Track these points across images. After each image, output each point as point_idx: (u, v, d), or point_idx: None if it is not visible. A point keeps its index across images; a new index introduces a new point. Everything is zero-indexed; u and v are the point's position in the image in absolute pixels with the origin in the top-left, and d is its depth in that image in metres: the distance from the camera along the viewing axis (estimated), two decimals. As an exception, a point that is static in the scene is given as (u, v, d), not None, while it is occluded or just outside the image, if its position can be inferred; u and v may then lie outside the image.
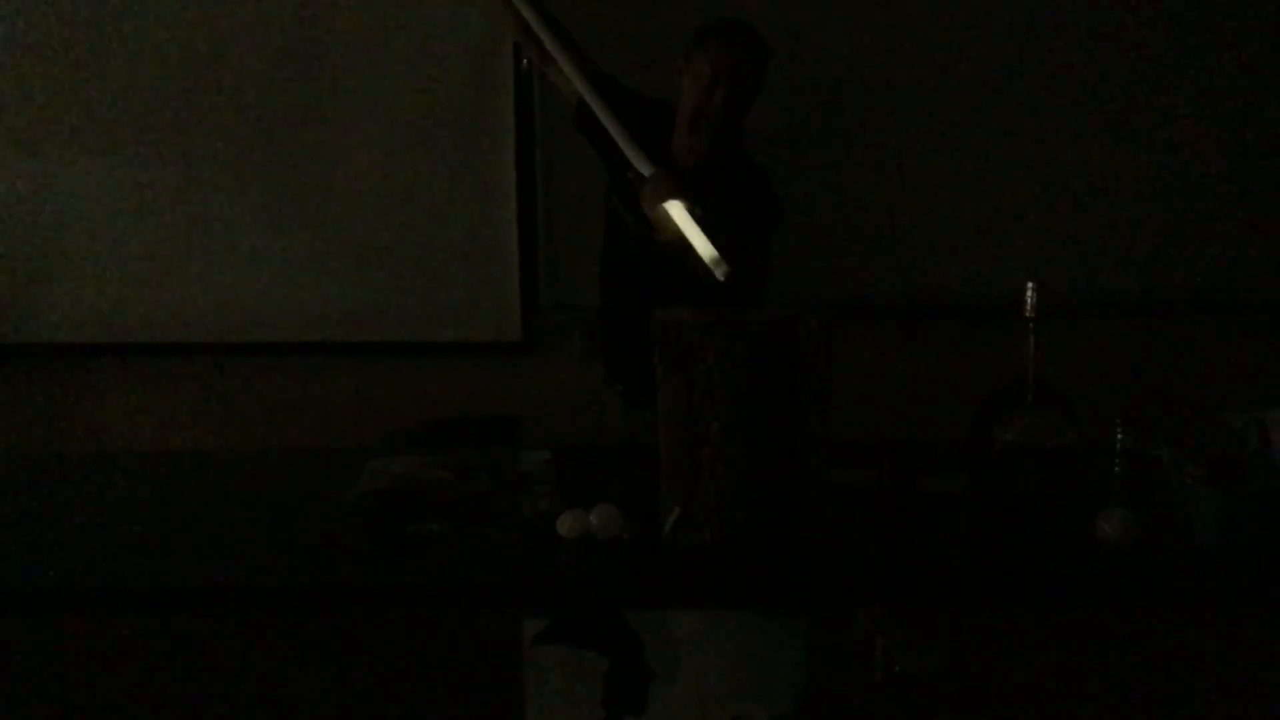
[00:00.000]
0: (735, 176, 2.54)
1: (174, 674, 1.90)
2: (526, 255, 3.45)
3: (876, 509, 1.99)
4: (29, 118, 3.47)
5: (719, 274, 2.09)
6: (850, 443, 2.02)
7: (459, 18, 3.39)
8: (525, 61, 3.35)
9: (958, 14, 3.30)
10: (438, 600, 1.87)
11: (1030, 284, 2.13)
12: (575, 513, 1.95)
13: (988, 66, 3.31)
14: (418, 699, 1.88)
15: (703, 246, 2.15)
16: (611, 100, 2.49)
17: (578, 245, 3.16)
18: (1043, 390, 2.11)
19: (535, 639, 2.15)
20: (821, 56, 3.32)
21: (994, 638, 1.84)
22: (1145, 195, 3.34)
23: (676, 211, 2.29)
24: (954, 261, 3.37)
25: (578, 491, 2.00)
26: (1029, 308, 2.12)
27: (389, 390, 3.54)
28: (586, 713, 1.90)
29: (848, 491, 2.06)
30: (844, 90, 3.34)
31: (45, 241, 3.50)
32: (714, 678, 1.88)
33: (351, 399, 3.56)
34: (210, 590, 1.86)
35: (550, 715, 1.90)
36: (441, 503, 2.13)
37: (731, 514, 1.89)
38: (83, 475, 2.55)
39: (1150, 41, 3.29)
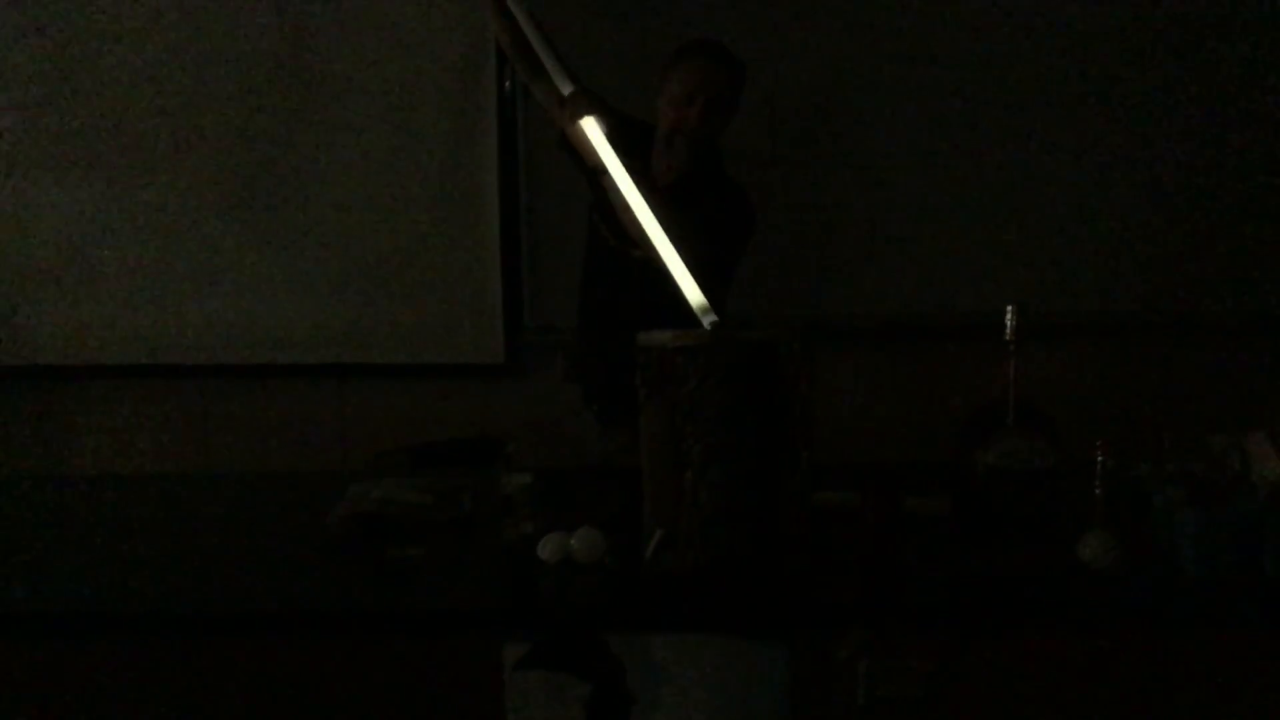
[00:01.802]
0: (712, 192, 2.55)
1: (151, 700, 1.88)
2: (510, 277, 3.45)
3: (860, 532, 1.98)
4: (11, 139, 3.46)
5: (705, 323, 2.08)
6: (833, 465, 2.02)
7: (442, 40, 3.40)
8: (508, 84, 3.36)
9: (939, 36, 3.33)
10: (418, 624, 1.86)
11: (1010, 306, 2.13)
12: (557, 536, 1.94)
13: (968, 89, 3.34)
14: (398, 725, 1.87)
15: (692, 294, 2.14)
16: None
17: (561, 267, 3.17)
18: (1024, 412, 2.11)
19: (516, 664, 2.14)
20: (802, 78, 3.33)
21: (977, 661, 1.84)
22: (1126, 217, 3.36)
23: (591, 128, 2.31)
24: (935, 283, 3.39)
25: (559, 515, 2.00)
26: (1009, 330, 2.13)
27: (372, 412, 3.53)
28: (568, 738, 1.88)
29: (831, 514, 2.06)
30: (824, 112, 3.35)
31: (26, 263, 3.49)
32: (696, 703, 1.87)
33: (335, 421, 3.55)
34: (189, 615, 1.84)
35: (531, 741, 1.88)
36: (423, 526, 2.12)
37: (714, 537, 1.88)
38: (62, 498, 2.53)
39: (1131, 65, 3.32)
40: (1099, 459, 2.18)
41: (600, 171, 2.30)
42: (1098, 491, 2.16)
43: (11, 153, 3.47)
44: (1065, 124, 3.33)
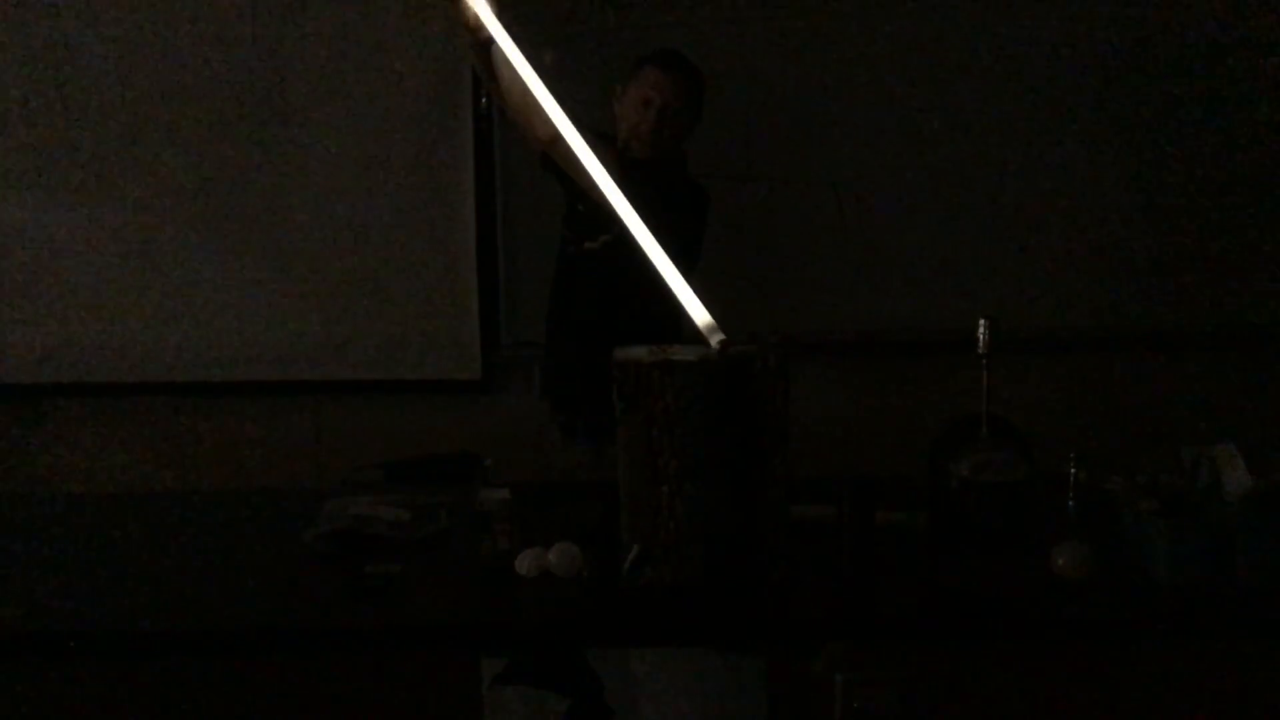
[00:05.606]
0: (668, 179, 2.57)
1: (126, 717, 1.87)
2: (486, 293, 3.44)
3: (835, 545, 1.99)
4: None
5: (713, 342, 2.02)
6: (809, 479, 2.03)
7: (418, 55, 3.40)
8: (484, 100, 3.37)
9: (913, 54, 3.35)
10: (396, 641, 1.85)
11: (983, 320, 2.15)
12: (534, 551, 1.94)
13: (942, 105, 3.36)
14: (376, 742, 1.86)
15: (699, 315, 2.09)
16: None
17: (537, 284, 3.16)
18: (997, 425, 2.12)
19: (494, 679, 2.14)
20: (775, 93, 3.35)
21: (952, 673, 1.85)
22: (1097, 232, 3.39)
23: (478, 3, 2.33)
24: (910, 297, 3.40)
25: (536, 530, 2.00)
26: (982, 344, 2.15)
27: (348, 429, 3.51)
28: (546, 753, 1.88)
29: (807, 528, 2.06)
30: (797, 127, 3.37)
31: (-2, 281, 3.47)
32: (674, 716, 1.88)
33: (311, 438, 3.54)
34: (164, 633, 1.83)
35: (510, 756, 1.88)
36: (400, 542, 2.12)
37: (690, 551, 1.89)
38: (34, 517, 2.51)
39: (1100, 84, 3.35)
40: (1071, 471, 2.21)
41: (489, 43, 2.35)
42: (1071, 503, 2.18)
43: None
44: (1040, 141, 3.36)
